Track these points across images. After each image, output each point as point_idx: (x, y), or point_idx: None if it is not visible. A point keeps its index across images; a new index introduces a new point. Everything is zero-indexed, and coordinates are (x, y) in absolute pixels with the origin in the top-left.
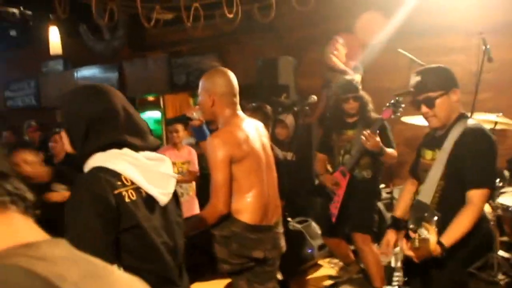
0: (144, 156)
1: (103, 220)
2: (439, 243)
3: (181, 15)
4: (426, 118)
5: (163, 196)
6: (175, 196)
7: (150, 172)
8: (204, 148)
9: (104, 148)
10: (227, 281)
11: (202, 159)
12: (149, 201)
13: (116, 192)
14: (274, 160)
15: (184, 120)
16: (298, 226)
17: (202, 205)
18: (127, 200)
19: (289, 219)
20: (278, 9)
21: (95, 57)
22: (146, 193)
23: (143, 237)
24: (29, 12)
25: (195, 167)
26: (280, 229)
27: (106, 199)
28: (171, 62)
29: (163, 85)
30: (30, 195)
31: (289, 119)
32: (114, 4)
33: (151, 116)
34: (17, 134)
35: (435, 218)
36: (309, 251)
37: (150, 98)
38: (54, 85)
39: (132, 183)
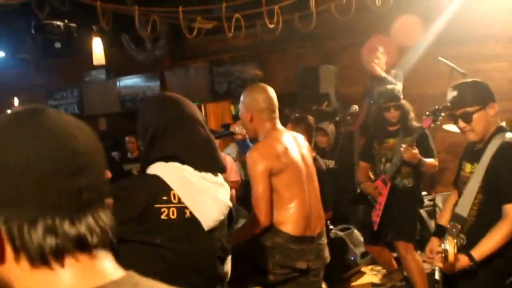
0: (205, 177)
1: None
2: (468, 255)
3: (221, 24)
4: (463, 132)
5: (209, 221)
6: (229, 220)
7: (204, 195)
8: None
9: (166, 159)
10: None
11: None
12: (192, 223)
13: (155, 205)
14: (316, 171)
15: (229, 135)
16: (341, 233)
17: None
18: (162, 217)
19: (331, 226)
20: (319, 18)
21: (137, 66)
22: (191, 214)
23: (163, 257)
24: (74, 25)
25: (232, 176)
26: (324, 240)
27: (131, 207)
28: (212, 70)
29: (205, 94)
30: (110, 231)
31: (329, 127)
32: (156, 15)
33: None
34: None
35: (454, 229)
36: (352, 258)
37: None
38: (96, 94)
39: (180, 201)
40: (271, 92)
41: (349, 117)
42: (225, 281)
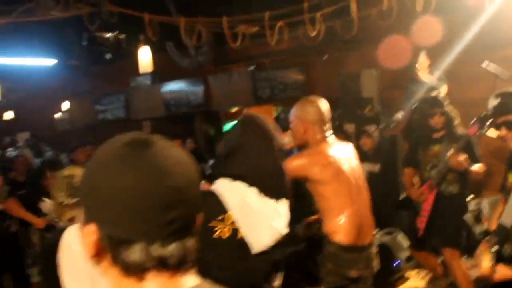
0: (266, 203)
1: None
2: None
3: (264, 28)
4: (505, 140)
5: (259, 247)
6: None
7: (260, 221)
8: None
9: (234, 177)
10: None
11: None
12: (243, 244)
13: (210, 224)
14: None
15: None
16: (385, 238)
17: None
18: (214, 236)
19: (374, 232)
20: (361, 23)
21: (181, 71)
22: (242, 237)
23: (211, 273)
24: (122, 36)
25: None
26: (374, 249)
27: None
28: (255, 75)
29: (247, 98)
30: (193, 255)
31: (372, 130)
32: (201, 25)
33: None
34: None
35: (491, 241)
36: (397, 263)
37: (234, 109)
38: (142, 98)
39: (234, 222)
40: (323, 104)
41: (393, 124)
42: None
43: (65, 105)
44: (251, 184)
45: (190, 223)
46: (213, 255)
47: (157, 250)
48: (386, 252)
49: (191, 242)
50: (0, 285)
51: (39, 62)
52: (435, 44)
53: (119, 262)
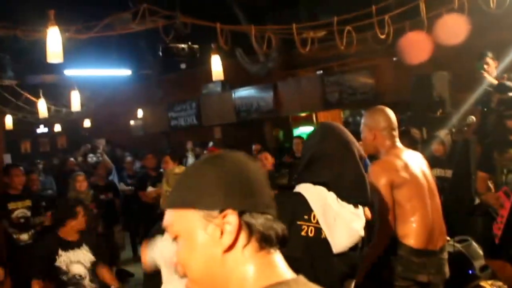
0: (345, 206)
1: None
2: None
3: (332, 32)
4: None
5: (340, 247)
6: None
7: (341, 223)
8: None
9: (316, 183)
10: None
11: None
12: (326, 243)
13: (297, 222)
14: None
15: None
16: (458, 245)
17: None
18: (302, 233)
19: (448, 238)
20: (430, 23)
21: (250, 77)
22: (325, 237)
23: (298, 270)
24: (196, 46)
25: None
26: (445, 255)
27: (286, 214)
28: (324, 80)
29: (316, 103)
30: (286, 235)
31: (445, 134)
32: (271, 32)
33: (304, 131)
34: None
35: None
36: (470, 272)
37: (303, 114)
38: (213, 105)
39: (318, 222)
40: (390, 112)
41: (465, 128)
42: None
43: (139, 113)
44: (332, 190)
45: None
46: (301, 252)
47: (273, 223)
48: (460, 260)
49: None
50: None
51: (115, 72)
52: (506, 43)
53: (257, 237)
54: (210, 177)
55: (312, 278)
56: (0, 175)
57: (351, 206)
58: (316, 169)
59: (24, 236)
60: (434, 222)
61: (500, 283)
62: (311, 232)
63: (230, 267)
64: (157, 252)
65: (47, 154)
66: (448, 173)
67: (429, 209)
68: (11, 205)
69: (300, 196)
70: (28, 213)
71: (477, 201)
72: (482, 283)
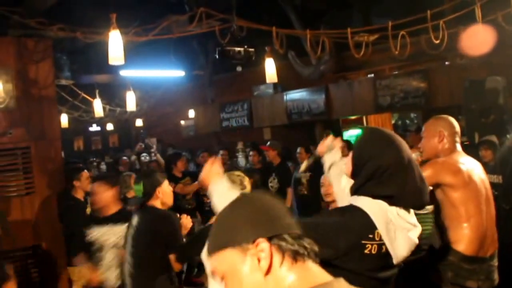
0: (403, 216)
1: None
2: None
3: (385, 35)
4: None
5: (399, 258)
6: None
7: (400, 234)
8: None
9: (377, 196)
10: None
11: None
12: (386, 256)
13: (362, 241)
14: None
15: None
16: (509, 252)
17: None
18: (366, 251)
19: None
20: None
21: (302, 80)
22: (387, 249)
23: (358, 283)
24: (252, 50)
25: None
26: (495, 262)
27: (351, 236)
28: (376, 83)
29: (368, 107)
30: (315, 248)
31: (493, 139)
32: (325, 36)
33: (353, 134)
34: (231, 153)
35: None
36: None
37: (353, 116)
38: (264, 107)
39: (381, 238)
40: (453, 120)
41: None
42: None
43: (190, 113)
44: (396, 203)
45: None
46: (360, 267)
47: (293, 242)
48: (509, 266)
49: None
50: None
51: (169, 73)
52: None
53: (289, 253)
54: (237, 216)
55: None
56: (60, 172)
57: (408, 215)
58: (380, 184)
59: None
60: (487, 229)
61: None
62: (374, 250)
63: (273, 286)
64: None
65: (99, 152)
66: (497, 178)
67: (484, 216)
68: None
69: (364, 214)
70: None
71: None
72: None
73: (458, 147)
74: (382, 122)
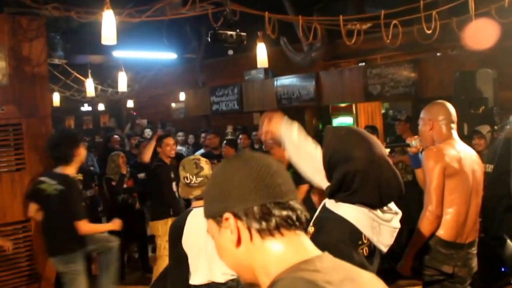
0: (386, 210)
1: None
2: None
3: (377, 24)
4: None
5: (385, 247)
6: None
7: (384, 227)
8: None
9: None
10: None
11: None
12: (374, 252)
13: (359, 249)
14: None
15: (404, 145)
16: (493, 243)
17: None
18: (361, 254)
19: (482, 235)
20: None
21: (293, 66)
22: (374, 246)
23: None
24: (244, 34)
25: None
26: (474, 250)
27: (347, 250)
28: (367, 72)
29: (358, 94)
30: (305, 215)
31: (486, 131)
32: (318, 23)
33: (343, 121)
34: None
35: None
36: (503, 269)
37: (343, 104)
38: (255, 91)
39: (368, 240)
40: (450, 106)
41: (508, 126)
42: None
43: (181, 96)
44: (376, 206)
45: (293, 189)
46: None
47: (279, 210)
48: (493, 257)
49: (300, 204)
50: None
51: (161, 55)
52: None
53: (255, 230)
54: (213, 187)
55: None
56: None
57: (388, 206)
58: (355, 191)
59: None
60: (468, 220)
61: None
62: (365, 252)
63: (247, 257)
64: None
65: (90, 131)
66: (488, 167)
67: (467, 206)
68: None
69: (348, 224)
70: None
71: None
72: None
73: (454, 133)
74: (372, 110)
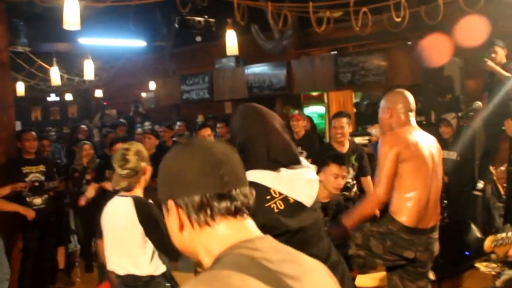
0: (292, 167)
1: None
2: None
3: (348, 12)
4: None
5: (307, 199)
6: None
7: (296, 180)
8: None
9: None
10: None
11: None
12: (297, 205)
13: (266, 205)
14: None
15: (366, 135)
16: (458, 228)
17: None
18: (276, 210)
19: (447, 220)
20: (446, 10)
21: (264, 54)
22: (294, 199)
23: (293, 239)
24: (212, 20)
25: None
26: (435, 235)
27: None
28: (337, 60)
29: (329, 83)
30: (252, 202)
31: (452, 118)
32: (287, 10)
33: (315, 110)
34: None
35: None
36: (467, 253)
37: (315, 93)
38: (225, 80)
39: (280, 193)
40: (408, 94)
41: (471, 113)
42: (330, 258)
43: (151, 85)
44: (273, 165)
45: (240, 177)
46: (285, 227)
47: (218, 200)
48: (457, 242)
49: (246, 190)
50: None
51: (130, 43)
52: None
53: (193, 219)
54: (161, 173)
55: (296, 242)
56: (12, 140)
57: (295, 165)
58: (250, 154)
59: (38, 200)
60: (429, 203)
61: (494, 265)
62: (280, 205)
63: (190, 241)
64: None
65: (57, 122)
66: (453, 155)
67: (428, 190)
68: (25, 169)
69: (254, 184)
70: (42, 178)
71: (479, 185)
72: (477, 265)
73: (412, 121)
74: (343, 99)
